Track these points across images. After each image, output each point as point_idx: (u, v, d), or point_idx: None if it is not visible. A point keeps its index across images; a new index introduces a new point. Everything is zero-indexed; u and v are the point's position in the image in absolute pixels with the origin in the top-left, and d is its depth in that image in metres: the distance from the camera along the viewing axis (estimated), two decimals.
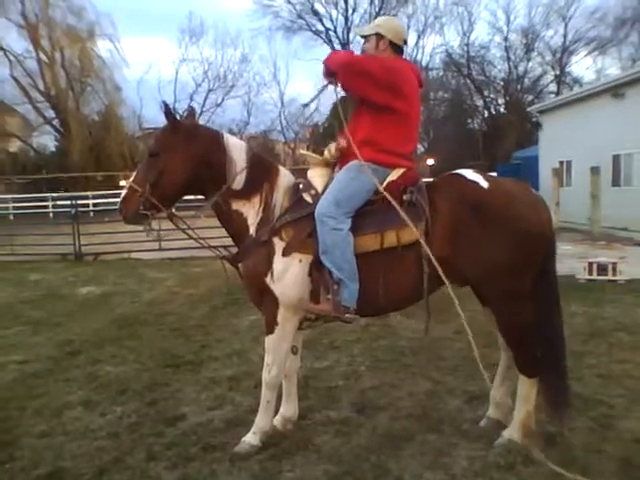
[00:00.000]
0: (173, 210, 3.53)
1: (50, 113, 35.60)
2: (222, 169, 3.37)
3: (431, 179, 3.65)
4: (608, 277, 8.19)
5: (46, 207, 29.15)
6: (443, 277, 3.14)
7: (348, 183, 3.28)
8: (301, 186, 3.41)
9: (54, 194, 29.14)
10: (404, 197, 3.28)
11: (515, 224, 3.16)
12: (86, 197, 27.97)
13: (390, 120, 3.29)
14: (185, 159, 3.31)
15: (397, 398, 4.14)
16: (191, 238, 3.64)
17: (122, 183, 29.12)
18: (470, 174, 3.36)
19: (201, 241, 3.66)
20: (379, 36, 3.42)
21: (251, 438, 3.43)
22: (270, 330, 3.37)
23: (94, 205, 28.43)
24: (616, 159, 15.12)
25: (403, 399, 4.12)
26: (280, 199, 3.38)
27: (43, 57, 34.14)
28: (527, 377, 3.32)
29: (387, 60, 3.35)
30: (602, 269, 8.27)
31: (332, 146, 3.49)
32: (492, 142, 35.27)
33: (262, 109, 42.93)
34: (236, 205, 3.41)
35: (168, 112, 3.34)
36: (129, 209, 3.33)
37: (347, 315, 3.22)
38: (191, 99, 38.75)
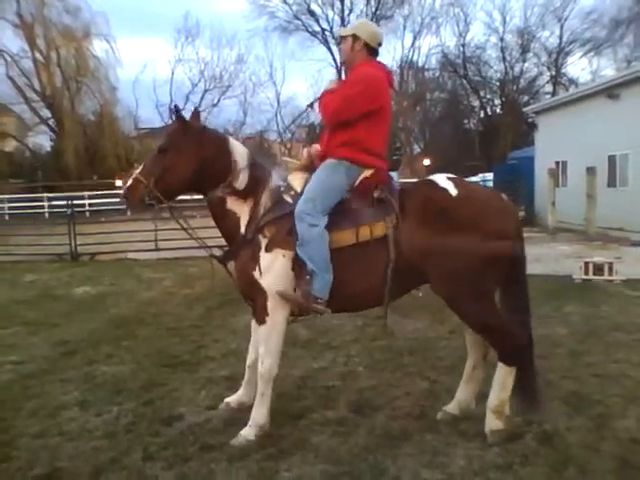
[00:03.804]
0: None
1: (46, 113, 35.59)
2: (226, 171, 3.56)
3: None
4: (604, 277, 8.21)
5: (42, 207, 29.09)
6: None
7: (323, 181, 3.49)
8: (282, 188, 3.61)
9: (50, 194, 29.07)
10: (375, 195, 3.48)
11: (478, 230, 3.28)
12: (82, 197, 27.92)
13: (368, 121, 3.48)
14: (191, 159, 3.50)
15: (394, 398, 4.14)
16: (192, 238, 3.79)
17: (118, 183, 29.16)
18: (442, 180, 3.49)
19: (196, 237, 3.80)
20: (355, 37, 3.61)
21: (247, 432, 3.51)
22: (261, 320, 3.52)
23: (90, 205, 28.39)
24: (612, 159, 15.14)
25: (400, 399, 4.12)
26: (265, 200, 3.54)
27: (39, 57, 34.11)
28: (506, 365, 3.38)
29: (369, 89, 3.47)
30: (598, 269, 8.29)
31: (305, 151, 3.75)
32: (488, 142, 35.38)
33: (258, 109, 42.99)
34: (231, 204, 3.58)
35: (179, 114, 3.54)
36: (133, 198, 3.53)
37: (316, 305, 3.37)
38: (187, 99, 38.70)
